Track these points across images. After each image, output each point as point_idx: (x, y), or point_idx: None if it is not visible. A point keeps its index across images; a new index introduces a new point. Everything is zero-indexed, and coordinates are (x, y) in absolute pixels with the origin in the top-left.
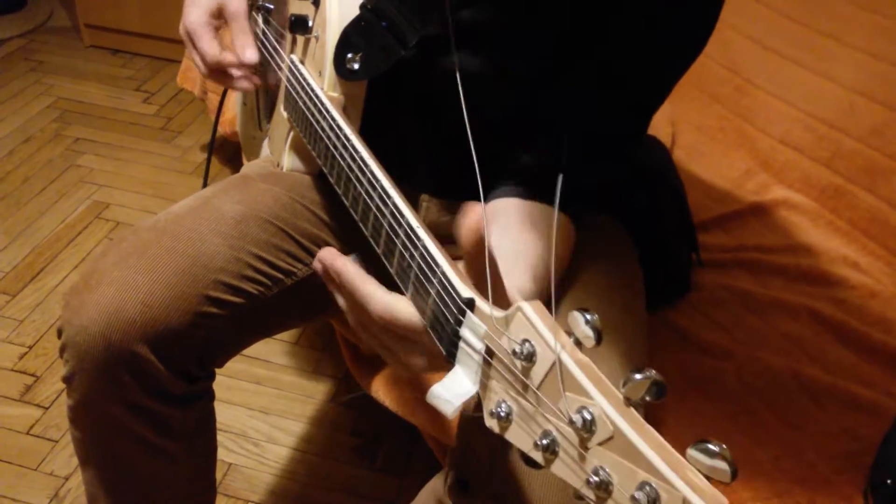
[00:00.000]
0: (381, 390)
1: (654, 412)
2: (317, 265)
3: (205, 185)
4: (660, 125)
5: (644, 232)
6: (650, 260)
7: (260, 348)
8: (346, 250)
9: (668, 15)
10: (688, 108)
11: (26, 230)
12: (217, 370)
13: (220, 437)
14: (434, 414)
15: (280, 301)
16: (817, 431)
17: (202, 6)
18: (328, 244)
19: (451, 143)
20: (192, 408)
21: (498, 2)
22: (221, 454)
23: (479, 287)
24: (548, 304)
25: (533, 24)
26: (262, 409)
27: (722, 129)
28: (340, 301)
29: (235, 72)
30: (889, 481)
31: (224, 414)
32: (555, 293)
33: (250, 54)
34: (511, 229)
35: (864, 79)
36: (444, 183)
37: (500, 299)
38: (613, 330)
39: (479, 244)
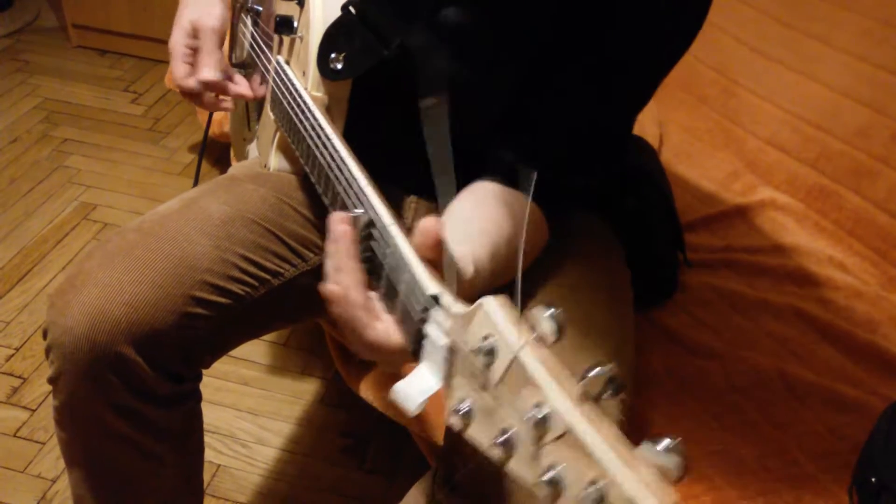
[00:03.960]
0: (370, 391)
1: (640, 411)
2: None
3: (195, 184)
4: (647, 126)
5: (631, 232)
6: (637, 260)
7: (248, 349)
8: None
9: (652, 18)
10: (675, 110)
11: (13, 231)
12: (205, 371)
13: (208, 439)
14: (423, 414)
15: (267, 302)
16: (803, 430)
17: (181, 27)
18: (315, 244)
19: None
20: (179, 409)
21: (478, 3)
22: (210, 455)
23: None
24: (511, 292)
25: (515, 28)
26: (251, 410)
27: (709, 131)
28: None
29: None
30: (873, 479)
31: (212, 415)
32: (519, 284)
33: (206, 73)
34: (486, 205)
35: (849, 80)
36: (430, 184)
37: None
38: (600, 330)
39: (436, 247)
